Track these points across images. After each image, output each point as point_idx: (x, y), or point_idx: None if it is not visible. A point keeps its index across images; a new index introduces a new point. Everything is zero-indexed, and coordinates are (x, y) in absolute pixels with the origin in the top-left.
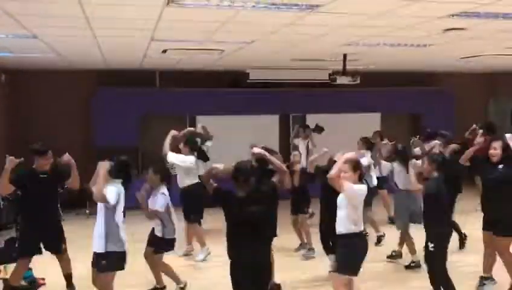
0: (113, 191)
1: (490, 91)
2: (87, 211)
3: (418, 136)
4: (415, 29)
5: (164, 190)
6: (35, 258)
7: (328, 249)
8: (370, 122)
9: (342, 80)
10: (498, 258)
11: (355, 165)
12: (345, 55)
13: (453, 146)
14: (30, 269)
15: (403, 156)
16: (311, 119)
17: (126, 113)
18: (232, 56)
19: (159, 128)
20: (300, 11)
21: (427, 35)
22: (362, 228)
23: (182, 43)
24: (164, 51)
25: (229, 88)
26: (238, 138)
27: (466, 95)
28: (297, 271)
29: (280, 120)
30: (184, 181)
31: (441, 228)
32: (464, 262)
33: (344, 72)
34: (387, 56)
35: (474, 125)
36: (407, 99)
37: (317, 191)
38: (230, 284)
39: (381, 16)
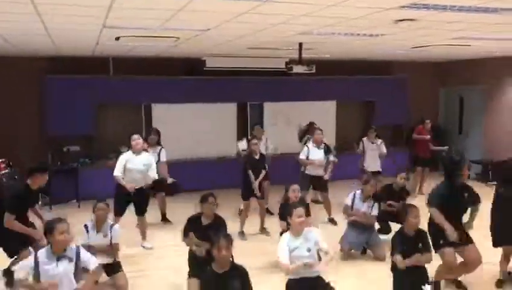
0: None
1: (441, 79)
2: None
3: (372, 127)
4: (367, 19)
5: None
6: None
7: None
8: (326, 110)
9: (298, 69)
10: None
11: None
12: (300, 44)
13: None
14: None
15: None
16: (269, 108)
17: (79, 102)
18: (188, 44)
19: (115, 117)
20: (256, 0)
21: (379, 26)
22: None
23: (135, 30)
24: (117, 38)
25: (185, 76)
26: (195, 127)
27: (418, 83)
28: None
29: (238, 108)
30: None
31: None
32: None
33: (300, 61)
34: (341, 45)
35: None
36: (362, 87)
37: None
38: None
39: (335, 6)
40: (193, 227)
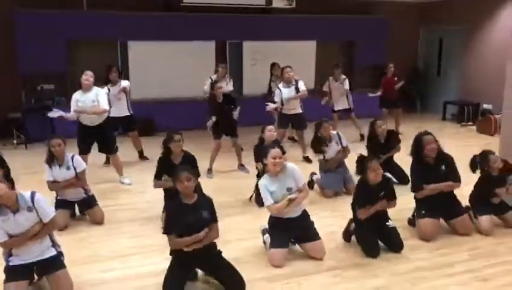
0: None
1: (421, 20)
2: (15, 142)
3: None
4: None
5: None
6: None
7: None
8: (306, 50)
9: (277, 3)
10: None
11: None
12: None
13: None
14: None
15: None
16: (248, 47)
17: (52, 38)
18: None
19: (90, 54)
20: None
21: None
22: None
23: None
24: None
25: (162, 11)
26: (173, 65)
27: (398, 24)
28: None
29: (216, 46)
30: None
31: None
32: None
33: None
34: None
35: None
36: (342, 27)
37: None
38: None
39: None
40: (165, 168)
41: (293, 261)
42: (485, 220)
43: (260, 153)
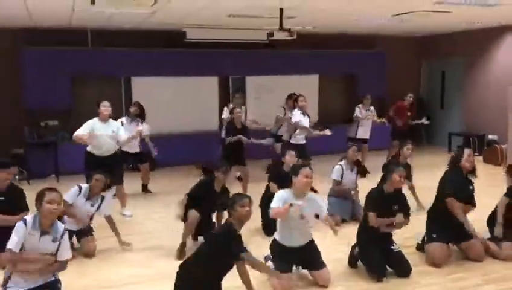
0: None
1: (423, 54)
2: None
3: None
4: None
5: None
6: None
7: None
8: (309, 84)
9: (278, 35)
10: None
11: None
12: (281, 9)
13: None
14: None
15: None
16: (251, 82)
17: (57, 74)
18: (164, 11)
19: (94, 90)
20: None
21: None
22: None
23: None
24: (93, 2)
25: (165, 48)
26: (176, 101)
27: (401, 57)
28: None
29: (219, 82)
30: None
31: None
32: None
33: (281, 27)
34: (321, 12)
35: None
36: (344, 61)
37: None
38: None
39: None
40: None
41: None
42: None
43: (276, 172)
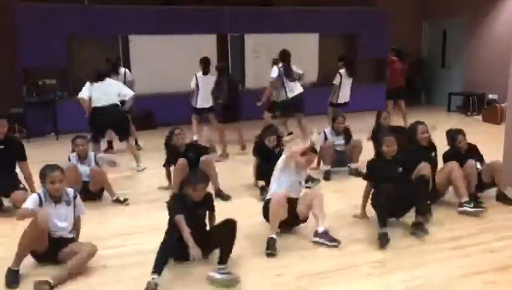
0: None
1: (424, 12)
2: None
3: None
4: None
5: None
6: None
7: None
8: (309, 43)
9: None
10: None
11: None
12: None
13: None
14: None
15: None
16: (249, 40)
17: (53, 33)
18: None
19: (91, 49)
20: None
21: None
22: None
23: None
24: None
25: (162, 5)
26: (174, 59)
27: (402, 17)
28: None
29: (217, 40)
30: None
31: None
32: None
33: None
34: None
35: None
36: (344, 20)
37: None
38: None
39: None
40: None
41: (295, 235)
42: None
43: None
